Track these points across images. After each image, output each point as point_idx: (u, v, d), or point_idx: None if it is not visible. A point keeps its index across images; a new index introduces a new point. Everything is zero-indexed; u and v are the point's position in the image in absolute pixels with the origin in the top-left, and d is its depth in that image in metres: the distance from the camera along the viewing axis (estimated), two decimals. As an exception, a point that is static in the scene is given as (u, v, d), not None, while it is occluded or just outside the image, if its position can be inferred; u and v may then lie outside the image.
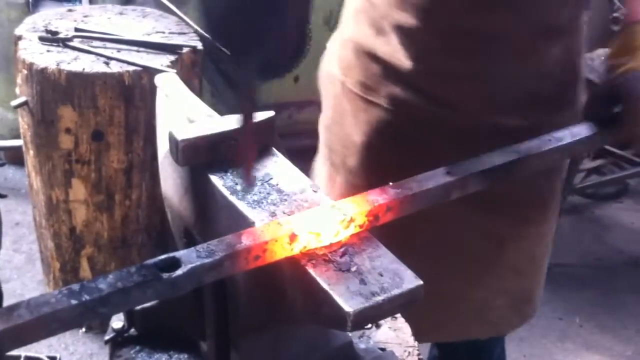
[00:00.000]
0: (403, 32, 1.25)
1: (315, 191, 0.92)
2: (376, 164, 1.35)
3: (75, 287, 0.71)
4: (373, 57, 1.31)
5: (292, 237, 0.80)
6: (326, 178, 1.49)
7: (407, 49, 1.25)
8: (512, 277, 1.45)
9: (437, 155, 1.24)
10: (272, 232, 0.80)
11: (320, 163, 1.55)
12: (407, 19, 1.24)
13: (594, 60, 2.83)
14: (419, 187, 0.91)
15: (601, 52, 2.89)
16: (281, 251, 0.80)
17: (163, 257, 0.75)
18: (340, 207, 0.85)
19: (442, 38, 1.23)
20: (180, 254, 0.76)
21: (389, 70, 1.29)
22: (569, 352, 2.64)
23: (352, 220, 0.84)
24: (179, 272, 0.73)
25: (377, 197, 0.88)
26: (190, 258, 0.75)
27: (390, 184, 0.91)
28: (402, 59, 1.26)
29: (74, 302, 0.69)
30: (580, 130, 1.11)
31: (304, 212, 0.87)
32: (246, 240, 0.78)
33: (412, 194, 0.90)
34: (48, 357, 2.15)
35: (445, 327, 1.48)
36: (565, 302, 2.87)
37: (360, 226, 0.85)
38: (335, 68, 1.43)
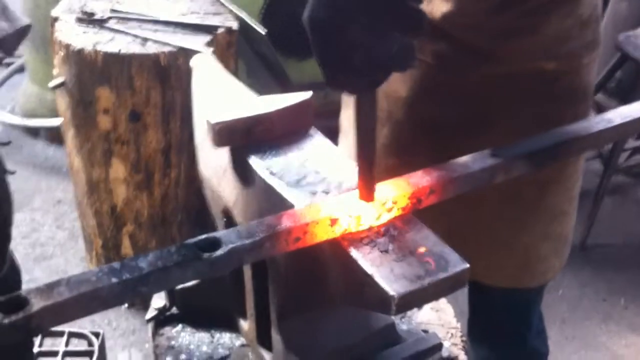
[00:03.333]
0: None
1: (352, 170, 0.91)
2: (423, 117, 1.38)
3: (116, 265, 0.71)
4: None
5: (334, 220, 0.79)
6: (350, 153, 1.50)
7: (452, 3, 1.27)
8: (555, 220, 1.48)
9: (481, 108, 1.31)
10: (312, 214, 0.79)
11: (344, 138, 1.56)
12: None
13: (638, 38, 2.75)
14: (463, 170, 0.89)
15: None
16: (322, 233, 0.79)
17: (203, 236, 0.75)
18: (381, 190, 0.84)
19: None
20: (220, 234, 0.75)
21: (432, 28, 1.30)
22: (613, 334, 2.59)
23: (394, 202, 0.82)
24: (219, 252, 0.73)
25: (420, 180, 0.86)
26: (230, 238, 0.75)
27: (433, 167, 0.89)
28: (446, 13, 1.28)
29: (114, 280, 0.69)
30: (631, 111, 1.08)
31: (345, 193, 0.86)
32: (287, 221, 0.78)
33: (455, 176, 0.88)
34: (91, 332, 2.18)
35: (495, 272, 1.50)
36: (609, 283, 2.81)
37: (403, 209, 0.83)
38: None
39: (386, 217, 0.82)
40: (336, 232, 0.80)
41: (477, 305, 1.83)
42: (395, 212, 0.83)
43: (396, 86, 1.40)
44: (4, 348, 0.66)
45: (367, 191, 0.82)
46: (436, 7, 1.28)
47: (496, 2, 1.24)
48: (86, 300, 0.68)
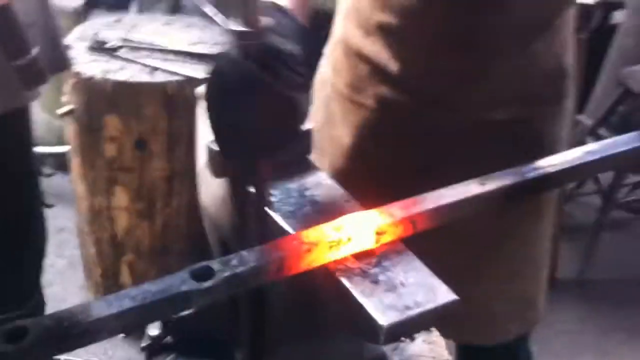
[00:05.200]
0: (387, 32, 1.24)
1: (347, 201, 0.93)
2: (365, 166, 1.34)
3: (111, 297, 0.72)
4: (361, 57, 1.30)
5: (326, 248, 0.80)
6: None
7: (392, 49, 1.25)
8: (511, 278, 1.42)
9: (426, 154, 1.27)
10: (304, 241, 0.80)
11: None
12: (390, 20, 1.23)
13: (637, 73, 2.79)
14: (455, 197, 0.90)
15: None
16: (314, 261, 0.80)
17: (197, 266, 0.76)
18: (372, 216, 0.85)
19: (427, 39, 1.21)
20: (214, 262, 0.77)
21: (376, 71, 1.28)
22: (607, 370, 2.57)
23: (384, 230, 0.84)
24: (212, 281, 0.74)
25: (412, 207, 0.87)
26: (223, 267, 0.76)
27: (428, 192, 0.90)
28: (387, 59, 1.26)
29: (110, 312, 0.70)
30: (627, 141, 1.08)
31: (336, 220, 0.88)
32: (278, 249, 0.79)
33: (448, 204, 0.89)
34: (87, 361, 2.18)
35: (455, 327, 1.45)
36: (606, 319, 2.80)
37: (394, 236, 0.85)
38: (327, 70, 1.42)
39: (378, 246, 0.83)
40: (328, 260, 0.81)
41: (463, 351, 1.79)
42: (386, 239, 0.84)
43: (339, 132, 1.37)
44: None
45: None
46: (378, 50, 1.26)
47: (444, 49, 1.21)
48: (82, 332, 0.69)
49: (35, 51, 1.18)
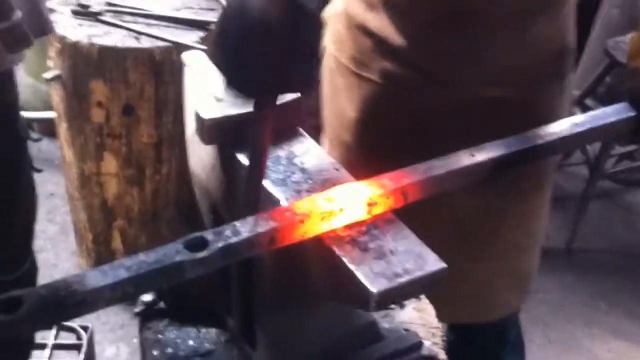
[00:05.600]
0: (393, 7, 1.24)
1: (337, 169, 0.93)
2: (370, 139, 1.35)
3: (106, 267, 0.73)
4: (365, 31, 1.30)
5: (318, 219, 0.81)
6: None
7: (397, 24, 1.25)
8: (511, 255, 1.44)
9: (429, 129, 1.28)
10: (297, 212, 0.81)
11: (326, 140, 1.56)
12: None
13: (627, 44, 2.78)
14: (445, 168, 0.91)
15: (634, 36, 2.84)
16: (306, 231, 0.81)
17: (191, 236, 0.77)
18: (363, 188, 0.86)
19: (429, 13, 1.22)
20: (207, 233, 0.77)
21: (380, 45, 1.28)
22: (596, 338, 2.62)
23: (375, 201, 0.84)
24: (206, 251, 0.75)
25: (403, 178, 0.88)
26: (217, 238, 0.76)
27: (418, 164, 0.91)
28: (392, 34, 1.26)
29: (105, 282, 0.71)
30: (614, 112, 1.09)
31: (327, 191, 0.88)
32: (271, 220, 0.80)
33: (439, 174, 0.90)
34: (80, 326, 2.19)
35: (448, 308, 1.47)
36: (592, 288, 2.84)
37: (385, 207, 0.85)
38: (328, 42, 1.41)
39: (368, 215, 0.84)
40: (319, 229, 0.82)
41: (452, 333, 1.80)
42: (377, 210, 0.85)
43: (344, 106, 1.37)
44: (3, 342, 0.68)
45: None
46: (383, 25, 1.26)
47: (445, 24, 1.21)
48: (77, 302, 0.70)
49: (17, 14, 1.17)
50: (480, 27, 1.21)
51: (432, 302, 1.26)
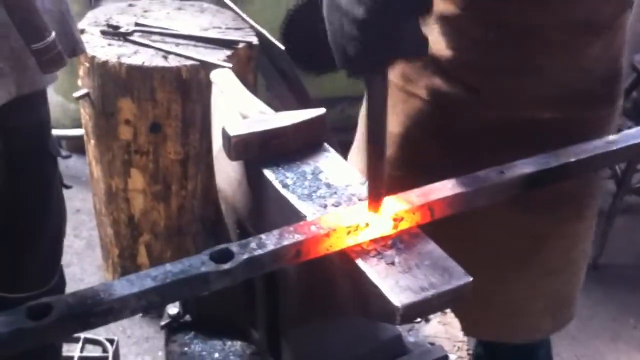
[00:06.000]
0: (446, 21, 1.25)
1: (362, 184, 0.94)
2: (413, 155, 1.35)
3: (132, 276, 0.73)
4: None
5: (343, 233, 0.82)
6: (363, 170, 1.48)
7: (449, 39, 1.25)
8: (547, 278, 1.42)
9: (473, 147, 1.28)
10: (322, 226, 0.82)
11: (355, 154, 1.55)
12: (450, 9, 1.24)
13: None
14: (473, 185, 0.91)
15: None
16: (331, 245, 0.82)
17: (216, 248, 0.77)
18: (390, 203, 0.86)
19: (482, 29, 1.22)
20: (233, 245, 0.78)
21: (430, 61, 1.28)
22: (622, 353, 2.58)
23: (401, 216, 0.85)
24: (230, 263, 0.76)
25: (430, 194, 0.88)
26: (242, 250, 0.77)
27: (446, 180, 0.91)
28: (442, 49, 1.26)
29: (131, 291, 0.72)
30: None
31: (353, 206, 0.89)
32: (297, 234, 0.80)
33: (467, 191, 0.90)
34: (106, 339, 2.22)
35: (478, 326, 1.44)
36: (620, 303, 2.81)
37: (411, 222, 0.86)
38: None
39: (393, 229, 0.85)
40: (345, 243, 0.82)
41: (480, 347, 1.78)
42: (403, 225, 0.85)
43: (388, 121, 1.39)
44: (31, 352, 0.69)
45: (375, 199, 0.84)
46: (434, 40, 1.26)
47: (499, 44, 1.22)
48: (104, 310, 0.71)
49: (52, 35, 1.20)
50: (534, 44, 1.21)
51: (461, 317, 1.26)
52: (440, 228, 0.89)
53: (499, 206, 1.10)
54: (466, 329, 1.44)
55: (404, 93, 1.34)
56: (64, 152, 1.52)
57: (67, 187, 1.55)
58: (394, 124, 1.36)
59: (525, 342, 1.53)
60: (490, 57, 1.23)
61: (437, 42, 1.27)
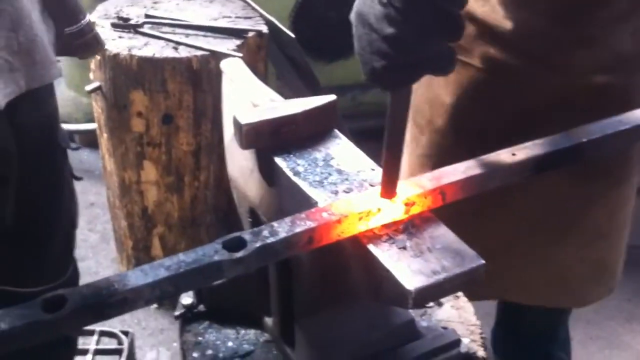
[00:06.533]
0: None
1: (373, 170, 0.94)
2: (465, 124, 1.36)
3: (146, 267, 0.74)
4: (470, 17, 1.30)
5: (355, 219, 0.82)
6: (409, 139, 1.49)
7: (509, 10, 1.26)
8: (594, 241, 1.44)
9: (527, 116, 1.29)
10: (334, 212, 0.82)
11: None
12: None
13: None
14: (485, 168, 0.90)
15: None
16: (343, 231, 0.82)
17: (229, 236, 0.78)
18: (401, 188, 0.86)
19: (549, 3, 1.23)
20: (245, 233, 0.78)
21: (484, 31, 1.28)
22: (637, 334, 2.58)
23: (413, 201, 0.85)
24: (243, 252, 0.76)
25: (442, 178, 0.88)
26: (255, 238, 0.78)
27: (457, 164, 0.91)
28: (501, 20, 1.27)
29: (145, 281, 0.72)
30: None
31: (365, 192, 0.89)
32: (309, 220, 0.80)
33: (478, 174, 0.89)
34: (121, 331, 2.24)
35: (528, 289, 1.48)
36: (634, 284, 2.79)
37: (422, 207, 0.86)
38: None
39: (405, 214, 0.85)
40: (357, 229, 0.82)
41: (504, 319, 1.80)
42: (415, 210, 0.85)
43: (439, 91, 1.38)
44: (46, 345, 0.70)
45: (389, 188, 0.85)
46: (490, 9, 1.27)
47: (565, 12, 1.22)
48: (118, 301, 0.71)
49: (86, 18, 1.19)
50: (598, 20, 1.22)
51: (508, 281, 1.29)
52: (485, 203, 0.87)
53: (551, 176, 1.10)
54: (515, 294, 1.47)
55: (457, 62, 1.35)
56: (73, 145, 1.52)
57: (78, 178, 1.56)
58: (446, 94, 1.36)
59: (570, 306, 1.57)
60: (554, 28, 1.24)
61: (493, 12, 1.27)
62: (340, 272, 0.90)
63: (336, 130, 1.03)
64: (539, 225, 1.39)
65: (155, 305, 2.57)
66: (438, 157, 1.41)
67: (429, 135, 1.43)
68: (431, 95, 1.40)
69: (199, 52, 2.17)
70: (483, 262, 0.78)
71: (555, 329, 1.71)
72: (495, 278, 1.13)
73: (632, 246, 2.97)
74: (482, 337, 1.09)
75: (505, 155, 0.93)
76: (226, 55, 2.07)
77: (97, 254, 2.86)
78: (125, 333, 2.22)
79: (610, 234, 1.46)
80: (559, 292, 1.50)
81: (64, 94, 3.51)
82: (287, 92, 2.56)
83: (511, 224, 1.39)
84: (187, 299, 1.18)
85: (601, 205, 1.40)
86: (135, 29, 2.28)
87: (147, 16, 2.35)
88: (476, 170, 0.90)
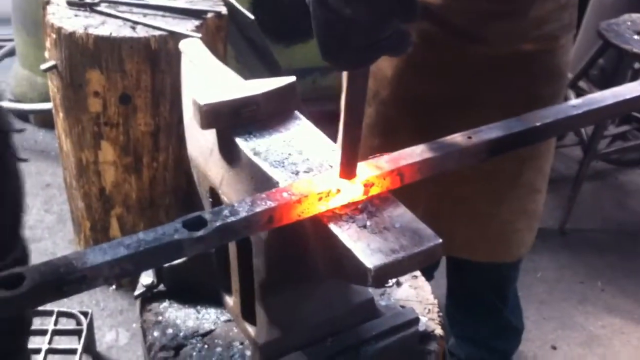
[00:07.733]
0: None
1: (333, 150, 0.95)
2: (407, 94, 1.46)
3: (105, 245, 0.74)
4: None
5: (315, 199, 0.83)
6: None
7: None
8: (529, 195, 1.57)
9: (461, 84, 1.41)
10: (294, 192, 0.83)
11: None
12: None
13: (620, 26, 2.81)
14: (441, 150, 0.92)
15: (627, 18, 2.88)
16: (303, 211, 0.83)
17: (190, 216, 0.78)
18: (362, 168, 0.87)
19: None
20: (206, 213, 0.79)
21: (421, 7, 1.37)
22: (590, 315, 2.66)
23: (372, 182, 0.86)
24: (204, 231, 0.76)
25: (400, 160, 0.90)
26: (215, 217, 0.78)
27: (415, 146, 0.93)
28: None
29: (104, 259, 0.72)
30: (611, 95, 1.09)
31: (325, 172, 0.90)
32: (269, 200, 0.81)
33: (435, 156, 0.91)
34: (80, 312, 2.22)
35: (474, 246, 1.60)
36: (587, 267, 2.88)
37: (381, 188, 0.87)
38: None
39: (364, 194, 0.86)
40: (317, 209, 0.83)
41: (455, 281, 1.92)
42: (374, 191, 0.87)
43: (382, 64, 1.46)
44: (2, 321, 0.69)
45: (348, 168, 0.86)
46: None
47: None
48: (77, 278, 0.71)
49: None
50: None
51: (456, 239, 1.41)
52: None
53: None
54: (465, 250, 1.60)
55: None
56: (17, 128, 1.47)
57: (23, 160, 1.52)
58: (389, 67, 1.46)
59: (514, 259, 1.68)
60: (475, 3, 1.34)
61: None
62: (300, 251, 0.91)
63: (297, 112, 1.03)
64: (481, 189, 1.51)
65: (113, 287, 2.55)
66: (384, 127, 1.51)
67: (375, 107, 1.52)
68: (375, 69, 1.47)
69: (157, 32, 2.14)
70: (440, 241, 0.80)
71: (504, 289, 1.80)
72: (443, 237, 1.19)
73: (584, 230, 3.09)
74: (439, 316, 1.11)
75: (461, 139, 0.95)
76: (185, 36, 2.05)
77: (53, 235, 2.82)
78: (85, 314, 2.21)
79: (542, 187, 1.60)
80: (503, 246, 1.62)
81: (18, 73, 3.44)
82: (247, 74, 2.55)
83: (458, 189, 1.50)
84: (146, 278, 1.18)
85: (533, 162, 1.52)
86: (91, 7, 2.24)
87: (104, -6, 2.31)
88: (433, 153, 0.92)
